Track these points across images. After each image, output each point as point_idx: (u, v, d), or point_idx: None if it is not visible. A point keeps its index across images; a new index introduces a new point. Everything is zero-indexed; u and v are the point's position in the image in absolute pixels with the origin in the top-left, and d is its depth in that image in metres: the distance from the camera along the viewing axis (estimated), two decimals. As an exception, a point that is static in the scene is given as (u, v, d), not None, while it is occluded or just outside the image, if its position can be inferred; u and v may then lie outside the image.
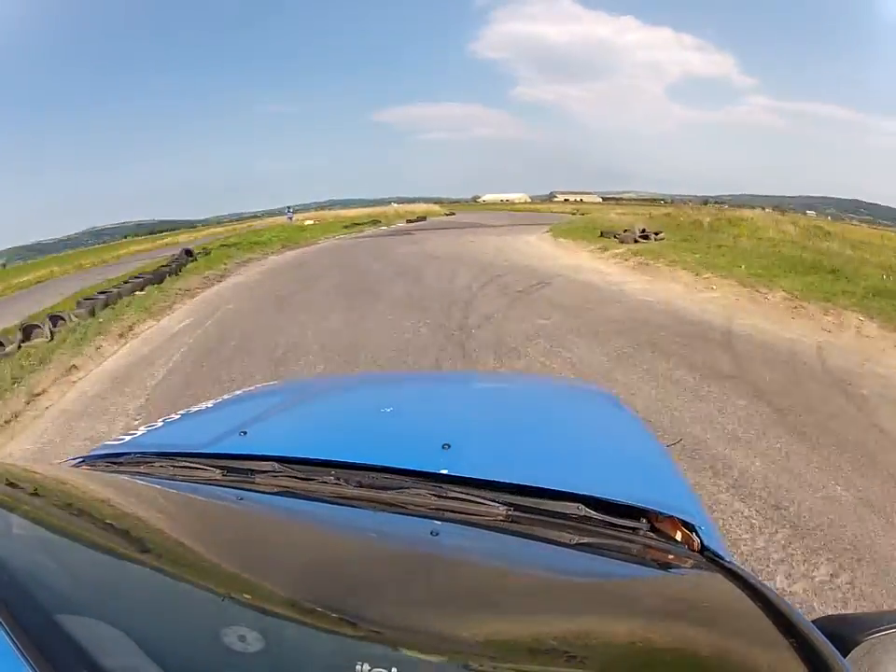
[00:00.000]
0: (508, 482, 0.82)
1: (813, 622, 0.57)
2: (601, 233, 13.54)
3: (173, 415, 1.32)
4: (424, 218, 27.45)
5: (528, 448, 1.03)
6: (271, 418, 1.26)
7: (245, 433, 1.05)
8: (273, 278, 11.03)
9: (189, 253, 13.66)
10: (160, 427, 1.24)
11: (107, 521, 0.77)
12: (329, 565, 0.71)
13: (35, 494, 0.84)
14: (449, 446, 0.94)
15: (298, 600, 0.59)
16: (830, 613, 0.73)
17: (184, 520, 0.83)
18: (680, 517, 0.81)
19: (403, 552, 0.77)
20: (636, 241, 11.62)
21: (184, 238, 29.97)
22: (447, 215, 33.89)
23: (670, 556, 0.75)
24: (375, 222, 25.98)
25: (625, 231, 12.62)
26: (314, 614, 0.56)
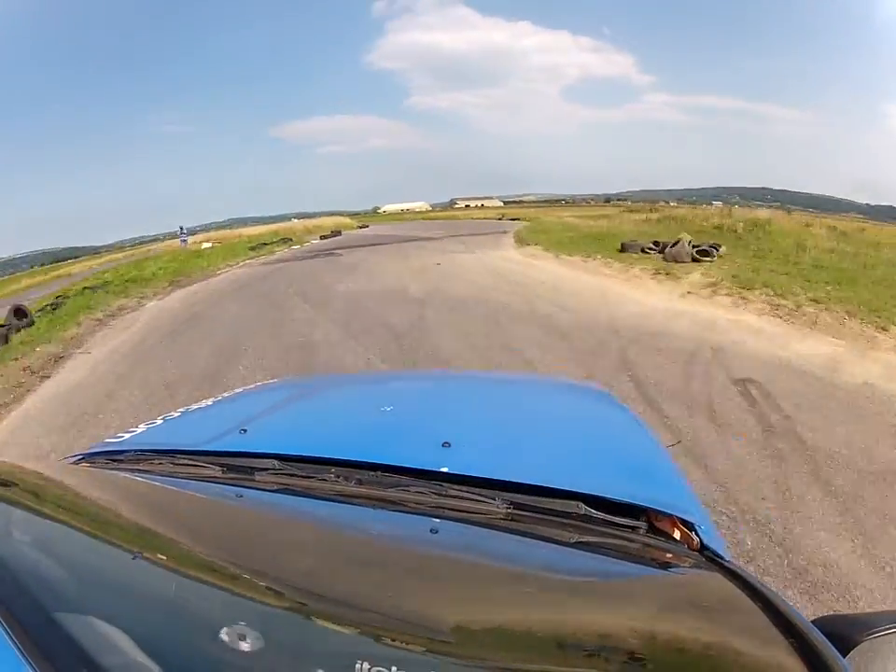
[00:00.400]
0: (507, 480, 0.82)
1: (812, 621, 0.56)
2: (622, 246, 10.94)
3: (173, 413, 1.32)
4: (338, 233, 24.93)
5: (528, 446, 1.03)
6: (271, 416, 1.25)
7: (244, 431, 1.04)
8: (142, 360, 5.88)
9: (19, 314, 7.95)
10: (159, 425, 1.23)
11: (107, 518, 0.77)
12: (329, 562, 0.71)
13: (35, 491, 0.84)
14: (449, 444, 0.93)
15: (297, 598, 0.59)
16: (829, 613, 0.76)
17: (184, 518, 0.81)
18: (680, 516, 0.81)
19: (403, 549, 0.77)
20: (694, 259, 8.67)
21: (79, 268, 28.07)
22: (360, 227, 31.16)
23: (669, 555, 0.75)
24: (286, 241, 22.20)
25: (655, 243, 10.37)
26: (313, 612, 0.57)
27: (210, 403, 1.40)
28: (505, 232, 18.78)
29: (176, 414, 1.30)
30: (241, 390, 1.70)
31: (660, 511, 0.81)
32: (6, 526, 0.68)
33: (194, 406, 1.38)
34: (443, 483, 0.83)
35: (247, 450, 0.95)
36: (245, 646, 0.47)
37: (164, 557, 0.66)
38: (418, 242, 17.88)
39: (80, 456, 1.09)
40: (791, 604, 0.59)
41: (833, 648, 0.51)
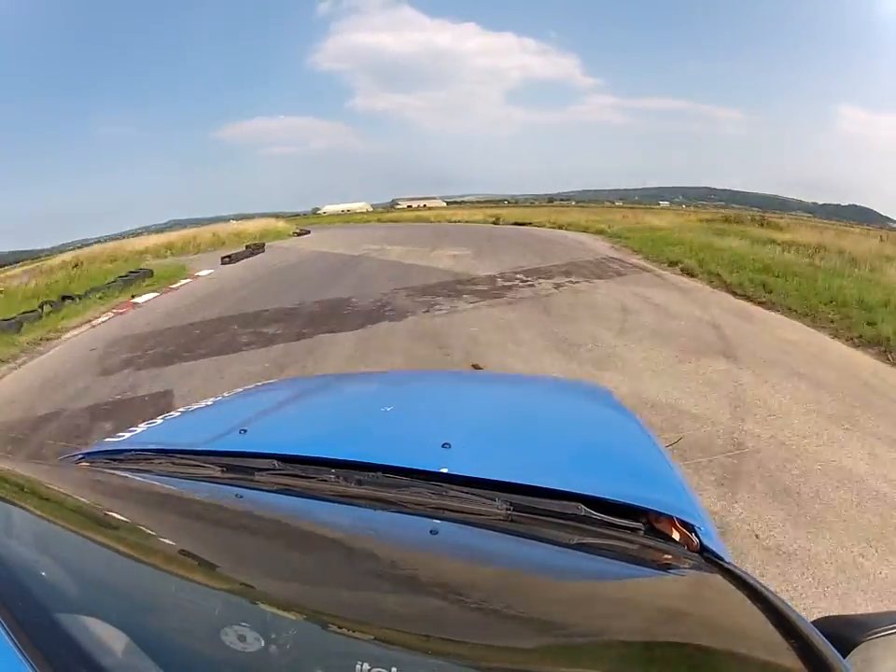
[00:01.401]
0: (507, 481, 0.82)
1: (812, 622, 0.56)
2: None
3: (173, 413, 1.34)
4: (260, 248, 16.27)
5: (528, 447, 1.04)
6: (271, 416, 1.25)
7: (244, 431, 1.05)
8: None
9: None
10: (159, 425, 1.24)
11: (107, 518, 0.77)
12: (329, 563, 0.71)
13: (35, 491, 0.84)
14: (449, 445, 0.93)
15: (297, 599, 0.59)
16: (829, 615, 0.68)
17: (184, 517, 0.82)
18: (679, 517, 0.81)
19: (403, 550, 0.77)
20: None
21: None
22: (297, 234, 23.23)
23: (669, 556, 0.75)
24: (143, 277, 11.31)
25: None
26: (313, 613, 0.56)
27: (210, 403, 1.42)
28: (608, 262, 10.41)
29: (176, 414, 1.32)
30: (241, 390, 1.67)
31: (659, 513, 0.81)
32: (6, 526, 0.67)
33: (194, 406, 1.39)
34: (443, 484, 0.83)
35: (247, 450, 0.96)
36: (244, 646, 0.47)
37: (164, 557, 0.66)
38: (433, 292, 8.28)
39: (80, 456, 1.09)
40: (792, 605, 0.59)
41: (833, 648, 0.51)
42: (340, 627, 0.54)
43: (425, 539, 0.76)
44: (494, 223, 26.62)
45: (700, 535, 0.80)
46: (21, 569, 0.54)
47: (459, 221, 30.71)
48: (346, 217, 45.91)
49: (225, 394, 1.57)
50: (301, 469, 0.89)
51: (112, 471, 0.98)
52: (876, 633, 0.56)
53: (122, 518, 0.78)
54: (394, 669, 0.45)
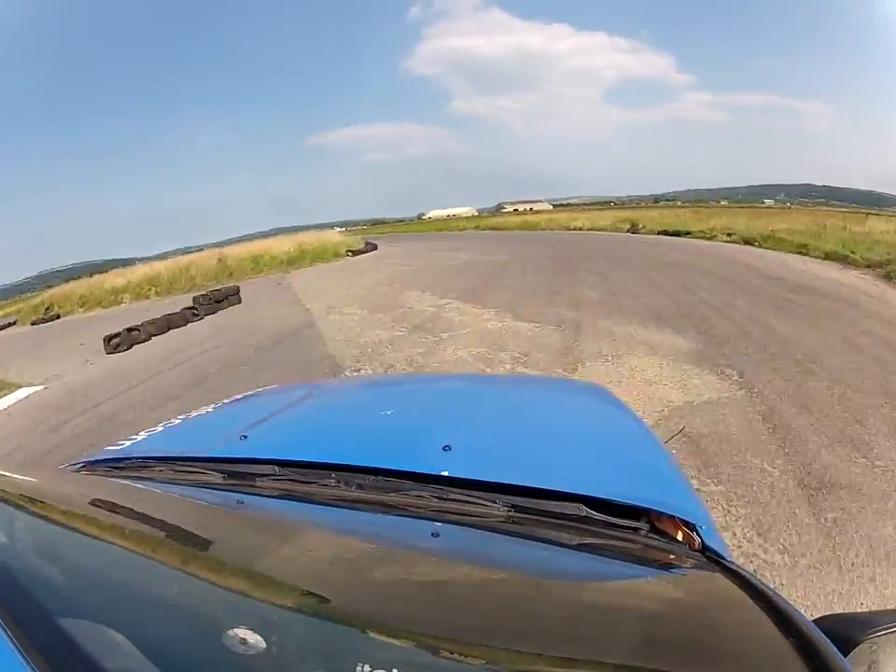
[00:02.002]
0: (508, 483, 0.82)
1: (813, 621, 0.56)
2: None
3: (173, 420, 1.32)
4: (220, 301, 10.19)
5: (528, 449, 1.03)
6: (271, 422, 1.24)
7: (245, 437, 1.04)
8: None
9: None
10: (160, 432, 1.24)
11: (108, 525, 0.76)
12: (330, 567, 0.71)
13: (37, 498, 0.83)
14: (449, 448, 0.93)
15: (299, 603, 0.59)
16: (830, 613, 0.65)
17: (185, 524, 0.81)
18: (681, 517, 0.81)
19: (404, 553, 0.76)
20: None
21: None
22: (353, 253, 17.73)
23: (671, 556, 0.74)
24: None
25: None
26: (314, 616, 0.56)
27: (210, 410, 1.40)
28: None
29: (177, 422, 1.31)
30: (241, 396, 1.65)
31: (661, 512, 0.80)
32: (8, 533, 0.67)
33: (194, 413, 1.38)
34: (444, 487, 0.82)
35: (248, 456, 0.95)
36: (246, 650, 0.47)
37: (165, 563, 0.66)
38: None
39: (82, 464, 1.09)
40: (793, 604, 0.59)
41: (834, 647, 0.51)
42: (342, 630, 0.55)
43: (426, 542, 0.76)
44: (631, 231, 20.18)
45: (702, 534, 0.79)
46: (23, 577, 0.53)
47: (579, 229, 23.63)
48: (443, 224, 40.33)
49: (225, 400, 1.55)
50: (301, 474, 0.89)
51: (113, 479, 0.97)
52: (877, 631, 0.55)
53: (123, 525, 0.77)
54: (395, 671, 0.45)
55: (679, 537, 0.79)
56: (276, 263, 14.09)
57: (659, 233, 17.92)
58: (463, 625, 0.58)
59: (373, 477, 0.86)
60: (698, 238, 15.72)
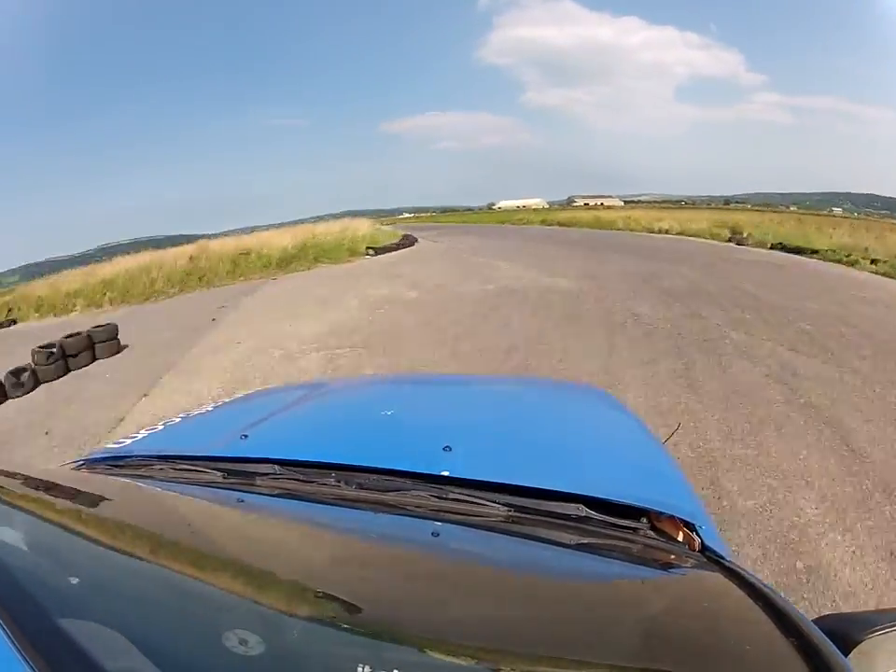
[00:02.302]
0: (508, 483, 0.82)
1: (813, 621, 0.56)
2: None
3: (173, 419, 1.32)
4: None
5: (529, 449, 1.03)
6: (271, 421, 1.24)
7: (245, 436, 1.04)
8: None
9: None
10: (160, 431, 1.24)
11: (108, 524, 0.76)
12: (330, 566, 0.70)
13: (37, 497, 0.83)
14: (450, 448, 0.93)
15: (299, 602, 0.59)
16: (830, 613, 0.62)
17: (184, 523, 0.81)
18: (681, 517, 0.81)
19: (404, 553, 0.76)
20: None
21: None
22: (375, 252, 14.41)
23: (671, 556, 0.74)
24: None
25: None
26: (315, 616, 0.56)
27: (210, 409, 1.40)
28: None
29: (177, 420, 1.30)
30: (241, 396, 1.66)
31: (661, 512, 0.80)
32: (8, 531, 0.66)
33: (195, 412, 1.38)
34: (445, 487, 0.83)
35: (248, 455, 0.95)
36: (246, 650, 0.47)
37: (165, 562, 0.66)
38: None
39: (82, 462, 1.09)
40: (793, 604, 0.58)
41: (834, 647, 0.51)
42: (342, 630, 0.54)
43: (426, 542, 0.76)
44: (736, 241, 15.18)
45: (701, 534, 0.80)
46: (23, 575, 0.53)
47: (666, 232, 18.27)
48: (507, 216, 36.47)
49: (225, 399, 1.58)
50: (302, 474, 0.89)
51: (113, 477, 0.97)
52: (877, 631, 0.55)
53: (123, 523, 0.77)
54: (395, 671, 0.45)
55: (679, 537, 0.79)
56: (263, 264, 11.04)
57: (772, 247, 13.49)
58: (463, 625, 0.58)
59: (374, 477, 0.87)
60: (833, 261, 11.35)
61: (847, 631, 0.56)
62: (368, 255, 13.93)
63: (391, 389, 1.75)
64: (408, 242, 16.39)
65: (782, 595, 0.61)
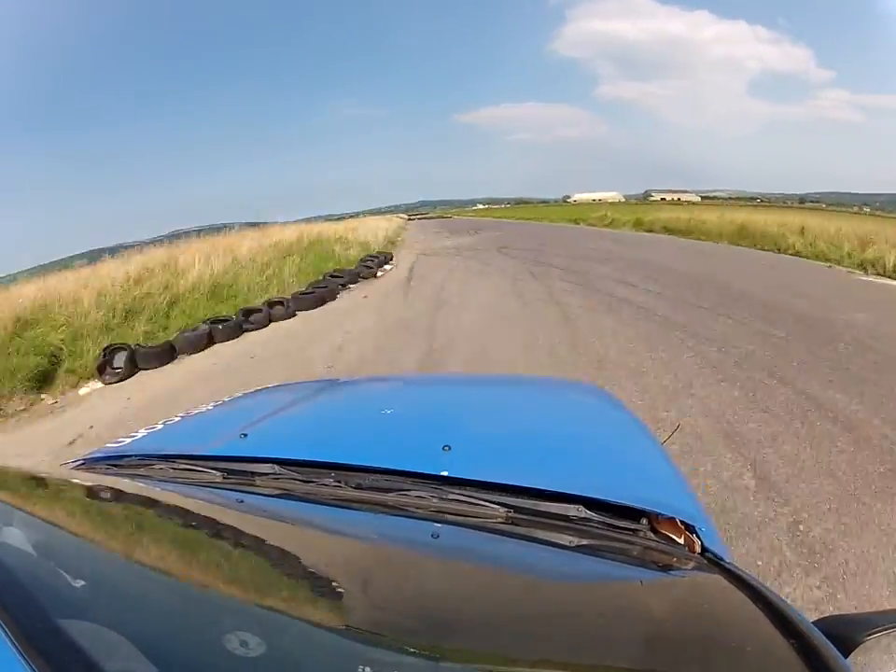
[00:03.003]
0: (508, 483, 0.82)
1: (813, 622, 0.56)
2: None
3: (173, 418, 1.32)
4: None
5: (528, 450, 1.03)
6: (271, 420, 1.24)
7: (245, 435, 1.04)
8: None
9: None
10: (160, 430, 1.24)
11: (108, 523, 0.77)
12: (330, 567, 0.70)
13: (36, 496, 0.83)
14: (449, 448, 0.93)
15: (299, 603, 0.59)
16: (830, 615, 0.65)
17: (185, 522, 0.81)
18: (680, 518, 0.81)
19: (404, 553, 0.76)
20: None
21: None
22: (363, 270, 10.63)
23: (670, 558, 0.74)
24: None
25: None
26: (315, 616, 0.56)
27: (210, 408, 1.40)
28: None
29: (177, 419, 1.31)
30: (241, 395, 1.64)
31: (660, 514, 0.80)
32: (7, 531, 0.66)
33: (194, 411, 1.38)
34: (444, 487, 0.83)
35: (248, 454, 0.95)
36: (245, 651, 0.47)
37: (165, 561, 0.66)
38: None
39: (81, 461, 1.09)
40: (794, 606, 0.58)
41: (834, 648, 0.51)
42: (342, 631, 0.54)
43: (426, 542, 0.76)
44: None
45: (701, 536, 0.80)
46: (23, 574, 0.53)
47: (797, 253, 11.70)
48: (580, 212, 29.83)
49: (225, 398, 1.54)
50: (301, 473, 0.89)
51: (113, 477, 0.97)
52: (877, 632, 0.55)
53: (123, 523, 0.77)
54: None
55: (679, 538, 0.79)
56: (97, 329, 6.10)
57: None
58: (462, 625, 0.58)
59: (373, 476, 0.87)
60: None
61: (846, 632, 0.56)
62: (364, 266, 10.70)
63: (391, 389, 1.75)
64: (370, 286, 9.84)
65: (783, 597, 0.61)
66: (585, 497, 0.80)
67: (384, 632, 0.54)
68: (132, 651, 0.45)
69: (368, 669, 0.44)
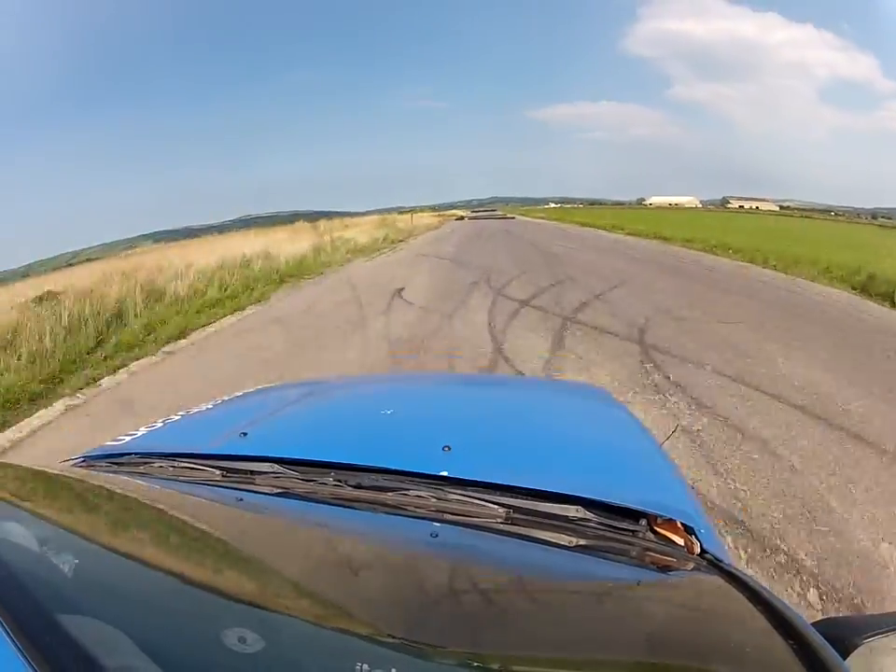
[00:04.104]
0: (507, 484, 0.82)
1: (812, 624, 0.56)
2: None
3: (173, 416, 1.31)
4: None
5: (528, 450, 1.03)
6: (271, 419, 1.24)
7: (245, 434, 1.05)
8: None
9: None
10: (160, 428, 1.24)
11: (107, 521, 0.77)
12: (329, 566, 0.71)
13: (36, 493, 0.84)
14: (449, 448, 0.93)
15: (297, 601, 0.59)
16: (829, 616, 0.65)
17: (183, 520, 0.82)
18: (679, 519, 0.81)
19: (403, 553, 0.77)
20: None
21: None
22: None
23: (669, 559, 0.74)
24: None
25: None
26: (313, 615, 0.57)
27: (210, 406, 1.40)
28: None
29: (177, 417, 1.30)
30: (241, 393, 1.63)
31: (659, 515, 0.80)
32: (6, 528, 0.67)
33: (194, 409, 1.38)
34: (444, 487, 0.83)
35: (248, 453, 0.96)
36: (244, 648, 0.47)
37: (164, 559, 0.66)
38: None
39: (81, 459, 1.09)
40: (792, 607, 0.58)
41: (833, 650, 0.51)
42: (340, 630, 0.54)
43: (425, 542, 0.76)
44: None
45: (700, 537, 0.80)
46: (22, 572, 0.54)
47: None
48: (655, 219, 25.96)
49: (225, 397, 1.55)
50: (301, 473, 0.89)
51: (113, 475, 0.97)
52: (876, 634, 0.55)
53: (122, 521, 0.78)
54: (394, 671, 0.45)
55: (677, 539, 0.79)
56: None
57: None
58: (461, 626, 0.58)
59: (373, 476, 0.87)
60: None
61: (845, 634, 0.56)
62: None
63: (391, 388, 1.75)
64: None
65: (782, 598, 0.61)
66: (585, 497, 0.80)
67: (382, 630, 0.54)
68: (131, 648, 0.45)
69: (366, 667, 0.44)
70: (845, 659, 0.53)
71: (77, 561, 0.61)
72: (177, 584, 0.59)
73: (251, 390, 1.74)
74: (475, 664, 0.52)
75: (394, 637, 0.52)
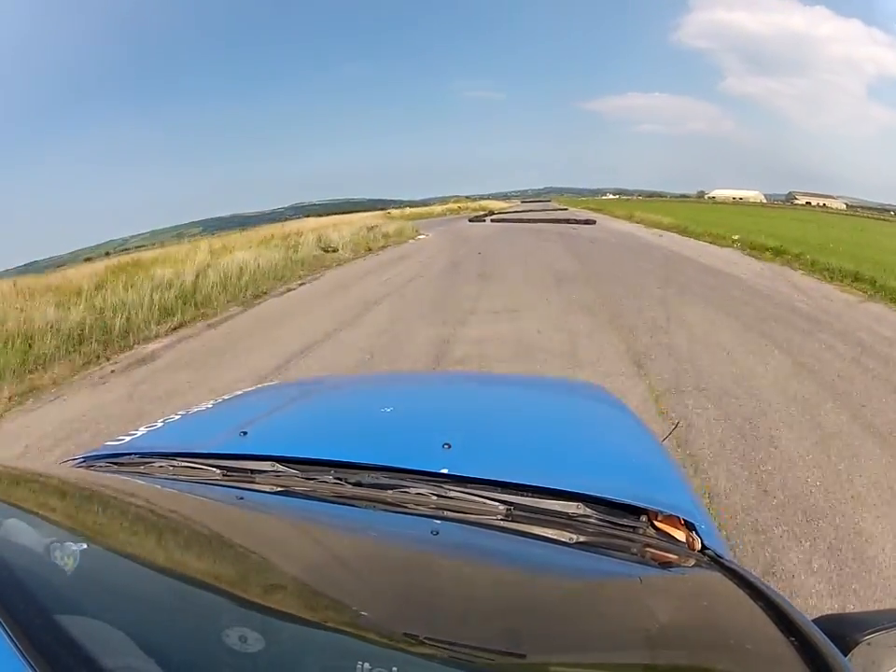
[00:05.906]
0: (508, 481, 0.82)
1: (813, 620, 0.56)
2: None
3: (173, 416, 1.32)
4: None
5: (528, 447, 1.04)
6: (270, 418, 1.24)
7: (245, 433, 1.05)
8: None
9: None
10: (160, 428, 1.24)
11: (108, 521, 0.77)
12: (330, 564, 0.71)
13: (36, 494, 0.84)
14: (449, 446, 0.93)
15: (298, 600, 0.59)
16: (829, 613, 0.69)
17: (184, 520, 0.82)
18: (680, 516, 0.81)
19: (404, 551, 0.77)
20: None
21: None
22: None
23: (670, 555, 0.74)
24: None
25: None
26: (314, 613, 0.57)
27: (210, 406, 1.40)
28: None
29: (177, 417, 1.31)
30: (241, 392, 1.65)
31: (660, 511, 0.81)
32: (7, 529, 0.67)
33: (194, 409, 1.38)
34: (444, 484, 0.83)
35: (247, 452, 0.96)
36: (245, 647, 0.47)
37: (165, 559, 0.66)
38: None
39: (81, 459, 1.09)
40: (793, 604, 0.58)
41: (834, 647, 0.51)
42: (341, 628, 0.54)
43: (426, 540, 0.76)
44: None
45: (701, 533, 0.80)
46: (22, 572, 0.53)
47: None
48: (720, 219, 20.76)
49: (225, 396, 1.55)
50: (301, 471, 0.89)
51: (113, 475, 0.97)
52: (876, 631, 0.55)
53: (123, 521, 0.78)
54: (394, 669, 0.45)
55: (678, 536, 0.79)
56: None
57: None
58: (462, 623, 0.58)
59: (373, 474, 0.87)
60: None
61: (846, 631, 0.56)
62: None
63: (391, 387, 1.75)
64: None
65: (783, 595, 0.61)
66: (585, 494, 0.79)
67: (382, 628, 0.54)
68: (131, 648, 0.45)
69: (367, 665, 0.44)
70: (846, 655, 0.53)
71: (77, 561, 0.61)
72: (178, 584, 0.60)
73: (251, 389, 1.73)
74: (476, 661, 0.52)
75: (394, 635, 0.53)
